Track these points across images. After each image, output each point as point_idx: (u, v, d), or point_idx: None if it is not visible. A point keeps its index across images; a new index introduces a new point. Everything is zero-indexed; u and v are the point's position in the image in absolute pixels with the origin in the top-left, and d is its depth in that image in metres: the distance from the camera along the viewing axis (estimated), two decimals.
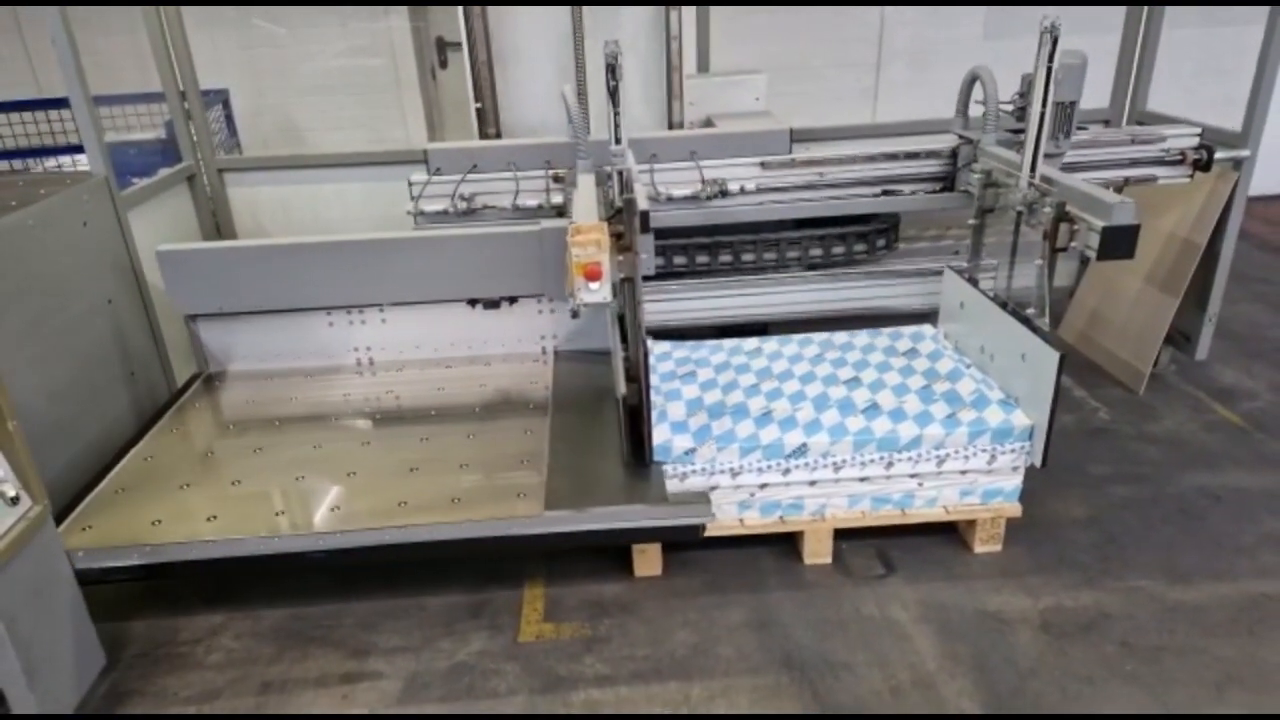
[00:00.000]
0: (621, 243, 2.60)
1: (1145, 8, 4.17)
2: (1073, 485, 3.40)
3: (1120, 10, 4.27)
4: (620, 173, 2.79)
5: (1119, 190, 4.14)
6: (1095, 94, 4.35)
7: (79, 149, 4.13)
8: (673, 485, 2.90)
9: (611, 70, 2.57)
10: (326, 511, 2.85)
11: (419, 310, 3.70)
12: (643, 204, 2.49)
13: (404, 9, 5.70)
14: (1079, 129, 3.48)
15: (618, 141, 2.72)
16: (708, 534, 2.96)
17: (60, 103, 5.43)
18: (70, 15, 3.28)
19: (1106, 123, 4.37)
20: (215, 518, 2.84)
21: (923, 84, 6.16)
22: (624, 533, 2.82)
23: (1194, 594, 2.82)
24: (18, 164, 5.42)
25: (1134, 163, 3.66)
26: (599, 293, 2.39)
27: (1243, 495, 3.30)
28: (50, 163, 5.11)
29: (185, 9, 4.22)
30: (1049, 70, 2.71)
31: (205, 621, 2.90)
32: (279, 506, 2.90)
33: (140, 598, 2.99)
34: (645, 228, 2.47)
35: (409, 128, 5.95)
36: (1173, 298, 3.85)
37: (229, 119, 5.66)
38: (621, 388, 2.88)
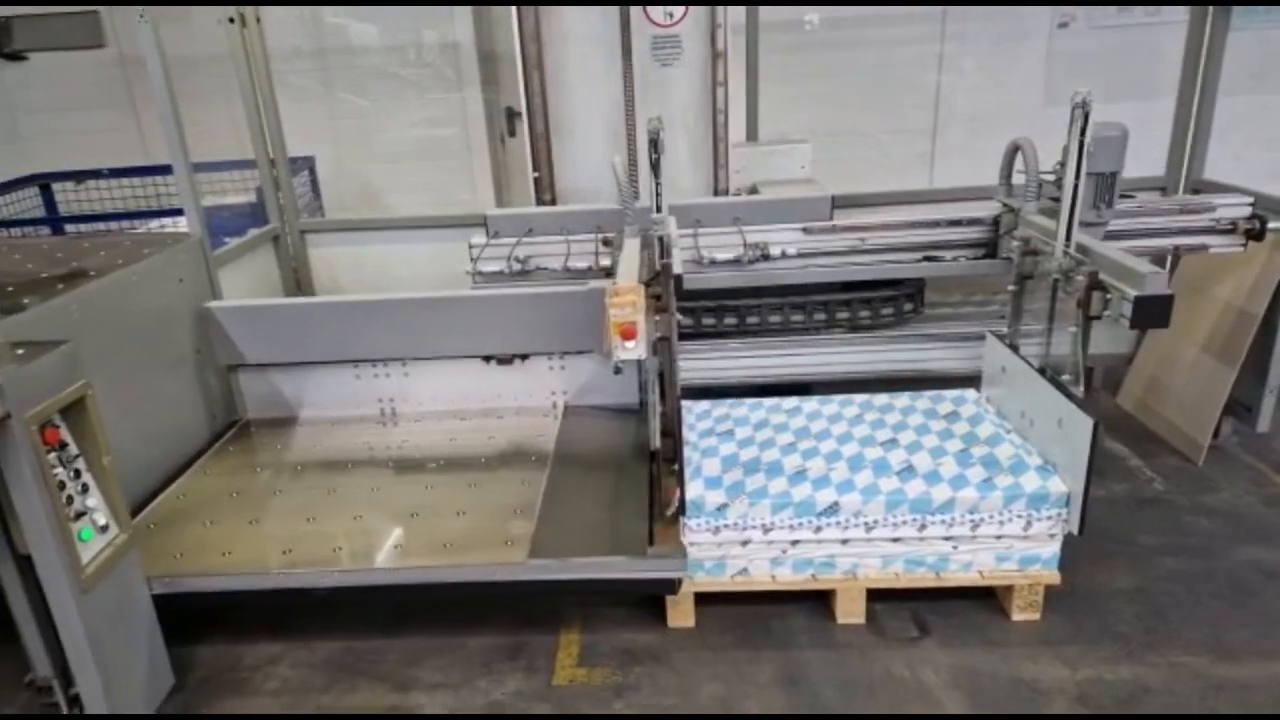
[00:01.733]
0: (659, 304, 2.75)
1: (1199, 75, 4.18)
2: (1120, 555, 3.34)
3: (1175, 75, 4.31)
4: (661, 238, 2.96)
5: (1174, 259, 4.14)
6: (1153, 161, 4.39)
7: (178, 212, 4.54)
8: (705, 538, 2.99)
9: (654, 144, 2.76)
10: (329, 551, 3.06)
11: (438, 365, 3.93)
12: (678, 268, 2.65)
13: (477, 84, 6.09)
14: (1126, 196, 3.51)
15: (659, 209, 2.90)
16: (741, 589, 3.04)
17: (165, 169, 5.97)
18: (176, 89, 3.67)
19: (1163, 190, 4.36)
20: (230, 552, 3.07)
21: (981, 150, 6.21)
22: (602, 583, 2.94)
23: (1240, 672, 2.74)
24: (126, 224, 5.93)
25: (1184, 231, 3.65)
26: (634, 350, 2.54)
27: None
28: (154, 223, 5.59)
29: (279, 87, 4.63)
30: (1081, 143, 2.79)
31: (265, 650, 3.09)
32: (287, 545, 3.12)
33: (209, 624, 3.21)
34: (679, 291, 2.62)
35: (477, 192, 6.31)
36: (1230, 367, 3.78)
37: (314, 183, 6.10)
38: (656, 441, 3.00)
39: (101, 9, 6.61)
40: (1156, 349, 4.32)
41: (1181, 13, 4.25)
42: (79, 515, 2.57)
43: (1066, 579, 3.04)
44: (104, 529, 2.65)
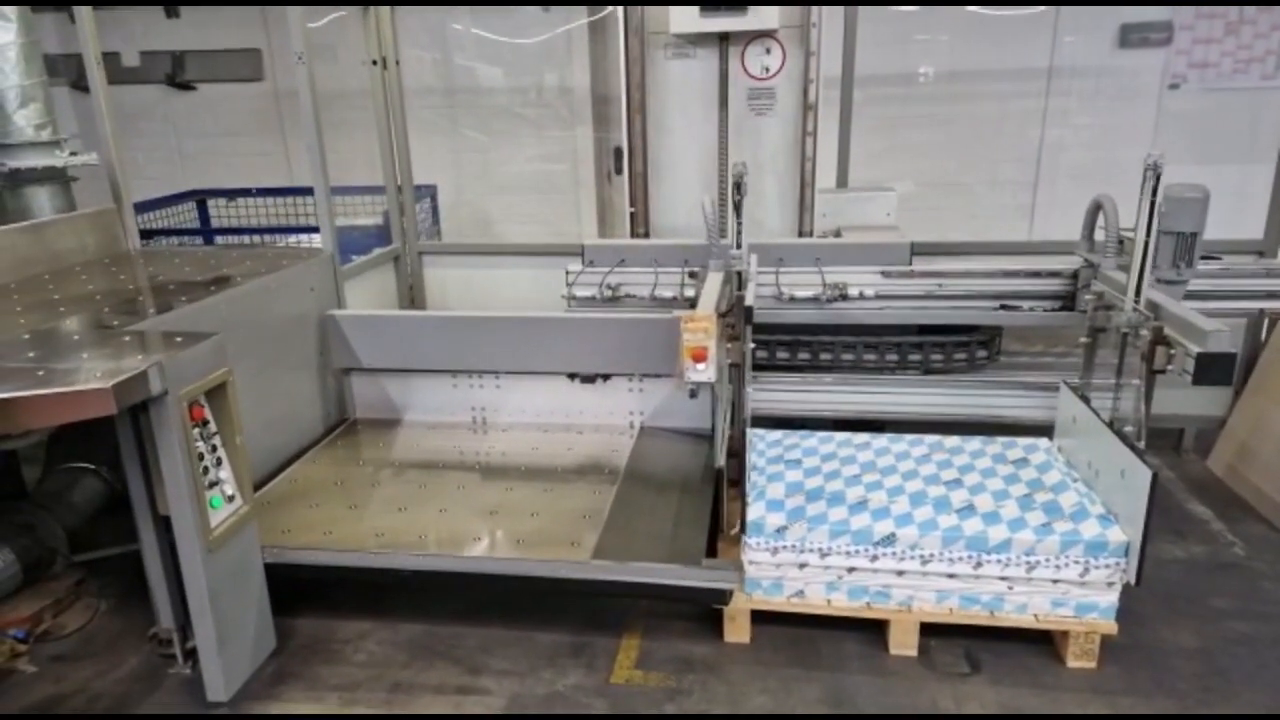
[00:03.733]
0: (732, 332, 2.97)
1: None
2: (1189, 615, 3.30)
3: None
4: (739, 273, 3.19)
5: (1271, 322, 4.07)
6: (1258, 223, 4.33)
7: (314, 229, 5.06)
8: (764, 558, 3.14)
9: (737, 187, 3.00)
10: (415, 538, 3.38)
11: (528, 379, 4.24)
12: (751, 301, 2.87)
13: (589, 124, 6.49)
14: (1211, 258, 3.52)
15: (738, 246, 3.13)
16: (798, 611, 3.18)
17: (305, 190, 6.60)
18: (321, 121, 4.15)
19: (1260, 253, 4.29)
20: (331, 532, 3.43)
21: (1083, 203, 6.20)
22: (658, 588, 3.13)
23: None
24: (268, 238, 6.58)
25: (1272, 295, 3.62)
26: (704, 373, 2.76)
27: None
28: (292, 238, 6.19)
29: (411, 122, 5.11)
30: (1152, 203, 2.86)
31: (356, 626, 3.41)
32: (380, 530, 3.45)
33: (309, 598, 3.55)
34: (749, 321, 2.83)
35: (582, 224, 6.68)
36: None
37: (435, 210, 6.61)
38: (720, 460, 3.20)
39: (262, 47, 7.41)
40: (1249, 412, 4.22)
41: None
42: (212, 485, 2.95)
43: (1130, 633, 3.04)
44: (231, 499, 3.02)
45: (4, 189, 4.66)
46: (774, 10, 4.12)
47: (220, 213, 7.18)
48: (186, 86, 7.69)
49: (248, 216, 7.06)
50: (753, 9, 4.10)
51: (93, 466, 3.89)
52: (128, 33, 7.35)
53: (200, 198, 7.14)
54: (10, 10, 4.45)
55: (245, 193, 7.07)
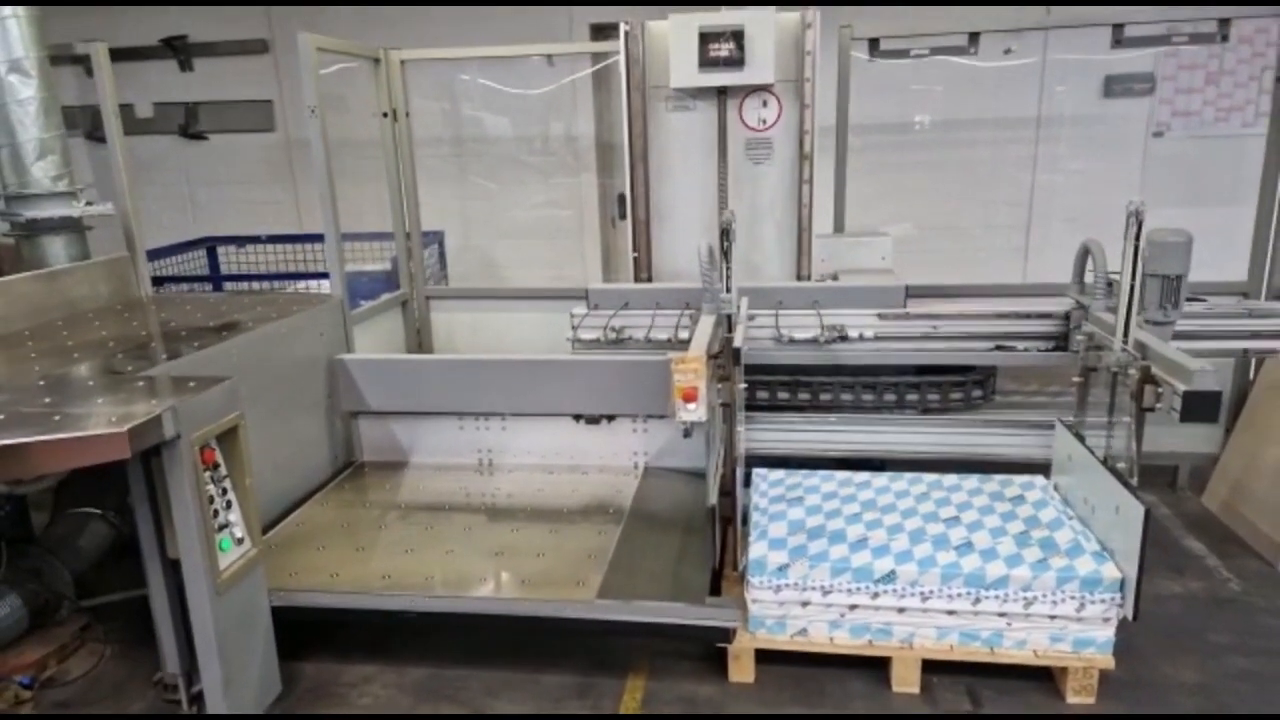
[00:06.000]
0: (722, 373, 3.05)
1: None
2: (1189, 651, 3.33)
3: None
4: (729, 316, 3.29)
5: (1259, 362, 4.16)
6: (1242, 265, 4.44)
7: (323, 275, 5.17)
8: (767, 596, 3.18)
9: (725, 234, 3.12)
10: (422, 580, 3.42)
11: (533, 421, 4.31)
12: (739, 343, 2.96)
13: (594, 171, 6.65)
14: (1196, 300, 3.61)
15: (728, 290, 3.23)
16: (801, 649, 3.20)
17: (313, 238, 6.74)
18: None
19: (1245, 294, 4.39)
20: (337, 574, 3.47)
21: (1074, 245, 6.33)
22: (663, 626, 3.16)
23: None
24: (276, 285, 6.70)
25: (1255, 335, 3.71)
26: (695, 413, 2.84)
27: None
28: (300, 285, 6.30)
29: (420, 170, 5.24)
30: (1136, 246, 2.96)
31: (361, 670, 3.43)
32: (386, 572, 3.50)
33: (314, 643, 3.58)
34: (738, 362, 2.91)
35: (586, 268, 6.80)
36: None
37: (442, 255, 6.74)
38: (713, 498, 3.25)
39: (273, 99, 7.61)
40: (1242, 449, 4.28)
41: None
42: (221, 527, 3.00)
43: (1130, 669, 3.07)
44: (240, 541, 3.07)
45: (21, 238, 4.77)
46: (770, 65, 4.27)
47: (230, 259, 7.31)
48: (199, 137, 7.88)
49: (257, 263, 7.19)
50: (749, 64, 4.25)
51: (100, 511, 3.94)
52: (142, 84, 7.56)
53: (211, 245, 7.28)
54: (32, 67, 4.61)
55: (255, 240, 7.21)
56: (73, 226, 4.89)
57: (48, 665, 3.48)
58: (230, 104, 7.73)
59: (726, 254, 3.12)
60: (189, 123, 7.85)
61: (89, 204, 4.79)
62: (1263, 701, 3.03)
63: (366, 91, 5.20)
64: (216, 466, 3.01)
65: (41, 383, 3.05)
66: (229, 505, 3.05)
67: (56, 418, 2.67)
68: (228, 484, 3.05)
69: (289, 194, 7.66)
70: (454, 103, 7.06)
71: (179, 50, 7.50)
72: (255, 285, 6.74)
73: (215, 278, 7.10)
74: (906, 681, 3.16)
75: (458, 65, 6.89)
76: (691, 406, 2.82)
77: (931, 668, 3.17)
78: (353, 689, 3.34)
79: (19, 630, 3.49)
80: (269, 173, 7.71)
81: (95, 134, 7.00)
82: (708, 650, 3.33)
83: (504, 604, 3.25)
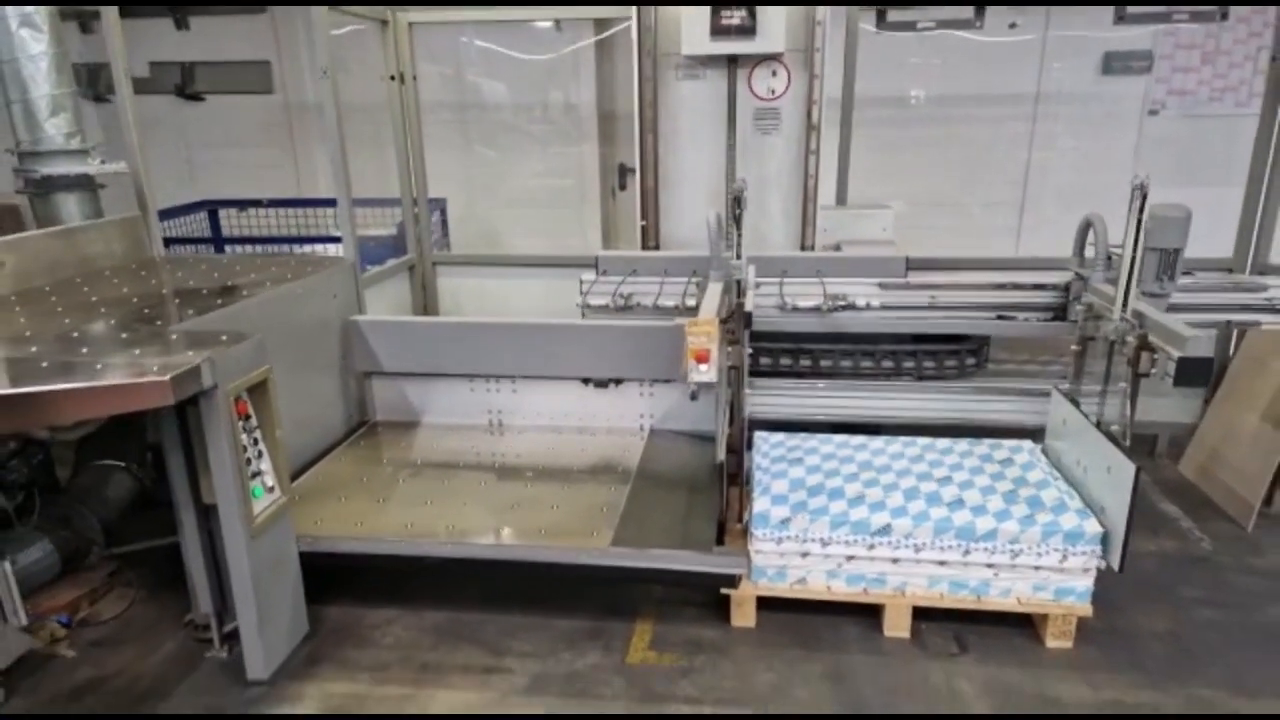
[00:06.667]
0: (732, 337, 3.22)
1: (1269, 162, 4.44)
2: (1161, 602, 3.56)
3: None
4: (738, 282, 3.44)
5: (1239, 332, 4.37)
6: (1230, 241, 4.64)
7: (332, 239, 5.26)
8: (769, 547, 3.37)
9: (737, 201, 3.26)
10: (442, 528, 3.59)
11: (543, 384, 4.45)
12: (749, 308, 3.12)
13: (595, 140, 6.73)
14: (1186, 274, 3.81)
15: (738, 257, 3.39)
16: (800, 597, 3.40)
17: (323, 202, 6.80)
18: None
19: (1230, 270, 4.59)
20: (361, 523, 3.63)
21: (1068, 223, 6.52)
22: (673, 573, 3.36)
23: (1256, 705, 2.96)
24: (274, 248, 6.76)
25: (1244, 308, 3.91)
26: (706, 374, 3.00)
27: None
28: (306, 248, 6.38)
29: (427, 137, 5.32)
30: (1139, 220, 3.14)
31: (383, 614, 3.60)
32: (408, 521, 3.66)
33: (338, 589, 3.74)
34: (748, 325, 3.08)
35: (586, 237, 6.91)
36: None
37: (444, 222, 6.82)
38: (721, 455, 3.43)
39: (271, 60, 7.59)
40: (1220, 418, 4.50)
41: None
42: (254, 475, 3.15)
43: (1105, 618, 3.29)
44: (270, 489, 3.22)
45: (35, 195, 4.83)
46: (781, 34, 4.38)
47: (231, 223, 7.35)
48: (196, 97, 7.85)
49: (258, 227, 7.24)
50: (760, 33, 4.35)
51: (123, 464, 4.06)
52: (137, 42, 7.50)
53: (212, 207, 7.31)
54: (43, 21, 4.63)
55: (256, 203, 7.25)
56: (86, 185, 4.95)
57: (80, 607, 3.63)
58: (228, 64, 7.69)
59: (738, 220, 3.26)
60: (185, 83, 7.80)
61: (103, 162, 4.85)
62: (1226, 648, 3.26)
63: (368, 55, 5.23)
64: (248, 418, 3.14)
65: (75, 334, 3.16)
66: (260, 455, 3.19)
67: (98, 366, 2.80)
68: (258, 434, 3.19)
69: (288, 157, 7.68)
70: (457, 68, 7.08)
71: (175, 6, 7.42)
72: (257, 249, 6.78)
73: (218, 239, 7.14)
74: (898, 627, 3.37)
75: (458, 29, 6.90)
76: (703, 368, 2.97)
77: (921, 614, 3.38)
78: (376, 630, 3.51)
79: (52, 574, 3.63)
80: (267, 135, 7.70)
81: (90, 92, 6.99)
82: (712, 597, 3.52)
83: (524, 550, 3.43)
